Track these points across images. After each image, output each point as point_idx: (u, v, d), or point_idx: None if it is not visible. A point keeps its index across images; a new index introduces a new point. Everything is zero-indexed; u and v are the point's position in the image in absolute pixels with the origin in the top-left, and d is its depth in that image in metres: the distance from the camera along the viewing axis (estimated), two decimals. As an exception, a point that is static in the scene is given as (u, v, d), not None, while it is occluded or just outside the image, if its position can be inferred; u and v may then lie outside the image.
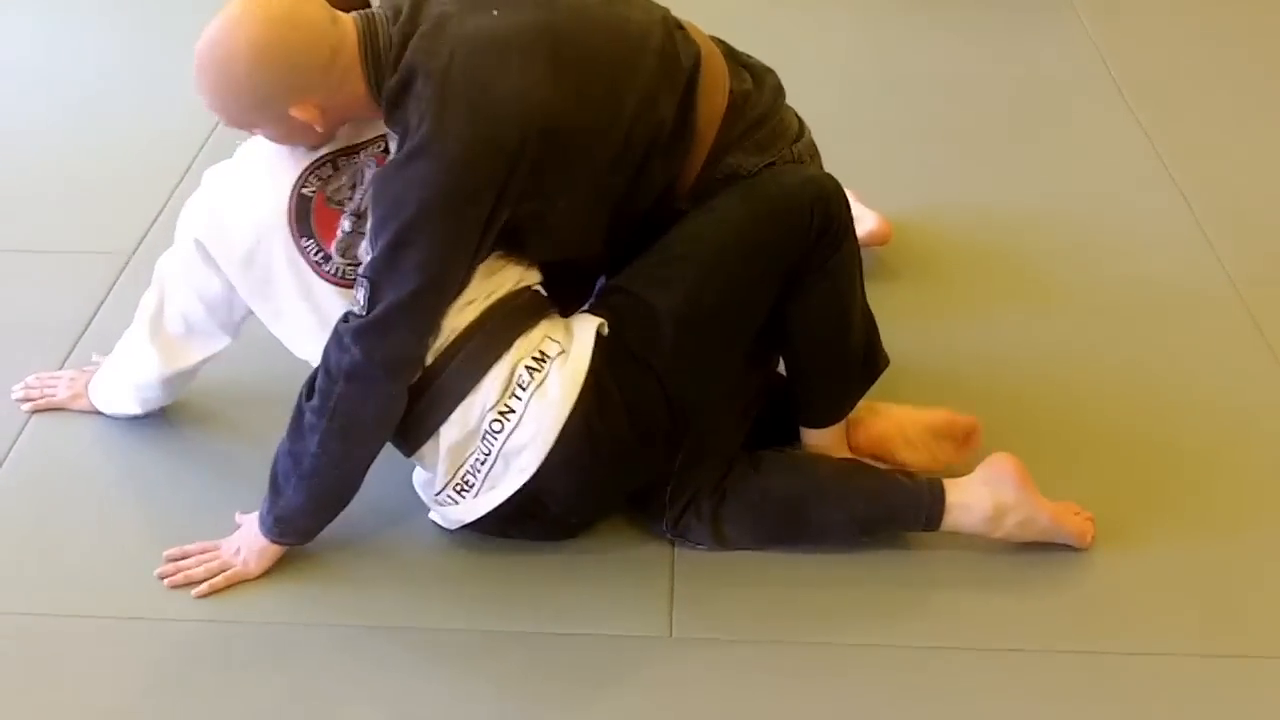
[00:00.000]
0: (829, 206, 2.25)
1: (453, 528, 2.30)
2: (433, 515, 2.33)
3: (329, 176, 2.26)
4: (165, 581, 2.26)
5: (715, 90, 2.31)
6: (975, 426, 2.47)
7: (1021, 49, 4.09)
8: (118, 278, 3.00)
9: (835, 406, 2.42)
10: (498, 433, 2.17)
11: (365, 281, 2.11)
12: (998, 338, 2.85)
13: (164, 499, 2.45)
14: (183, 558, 2.30)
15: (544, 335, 2.22)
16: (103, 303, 2.92)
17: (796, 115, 2.49)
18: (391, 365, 2.13)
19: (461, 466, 2.21)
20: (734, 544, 2.32)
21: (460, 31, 2.13)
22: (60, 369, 2.72)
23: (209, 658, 2.17)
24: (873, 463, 2.44)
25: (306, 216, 2.24)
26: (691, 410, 2.26)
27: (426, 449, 2.22)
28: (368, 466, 2.21)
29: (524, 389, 2.17)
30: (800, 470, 2.37)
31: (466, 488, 2.22)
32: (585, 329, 2.23)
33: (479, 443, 2.18)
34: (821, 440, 2.43)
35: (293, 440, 2.19)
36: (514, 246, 2.25)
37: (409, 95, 2.11)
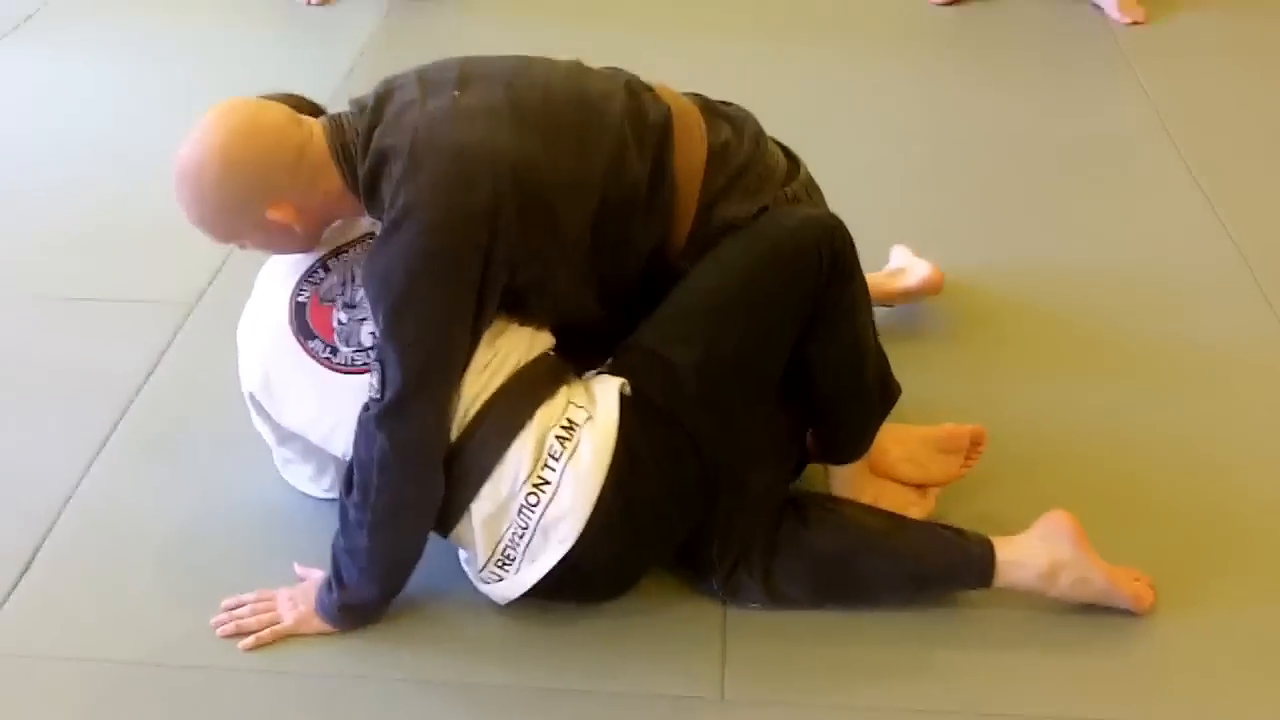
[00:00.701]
0: (834, 243, 2.25)
1: (502, 603, 2.28)
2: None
3: (321, 279, 2.32)
4: (218, 630, 2.28)
5: (692, 145, 2.32)
6: (980, 434, 2.47)
7: (1077, 105, 4.08)
8: (180, 328, 3.03)
9: (859, 440, 2.42)
10: (534, 505, 2.17)
11: (376, 364, 2.13)
12: (1051, 395, 2.83)
13: (222, 547, 2.46)
14: (238, 606, 2.31)
15: (566, 402, 2.22)
16: (164, 353, 2.95)
17: (787, 154, 2.49)
18: (419, 445, 2.14)
19: (500, 542, 2.20)
20: (787, 602, 2.31)
21: (423, 112, 2.18)
22: (123, 414, 2.75)
23: (258, 708, 2.18)
24: (890, 489, 2.43)
25: (304, 320, 2.28)
26: (724, 462, 2.26)
27: (461, 528, 2.22)
28: (423, 546, 2.22)
29: (557, 459, 2.17)
30: (851, 526, 2.35)
31: (508, 562, 2.22)
32: (608, 391, 2.23)
33: (515, 517, 2.18)
34: (848, 475, 2.43)
35: (345, 537, 2.21)
36: (517, 311, 2.26)
37: (382, 178, 2.16)
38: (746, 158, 2.37)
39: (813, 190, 2.47)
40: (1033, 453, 2.64)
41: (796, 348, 2.27)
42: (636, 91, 2.34)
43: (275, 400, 2.33)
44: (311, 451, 2.45)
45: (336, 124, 2.22)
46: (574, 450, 2.17)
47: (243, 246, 2.34)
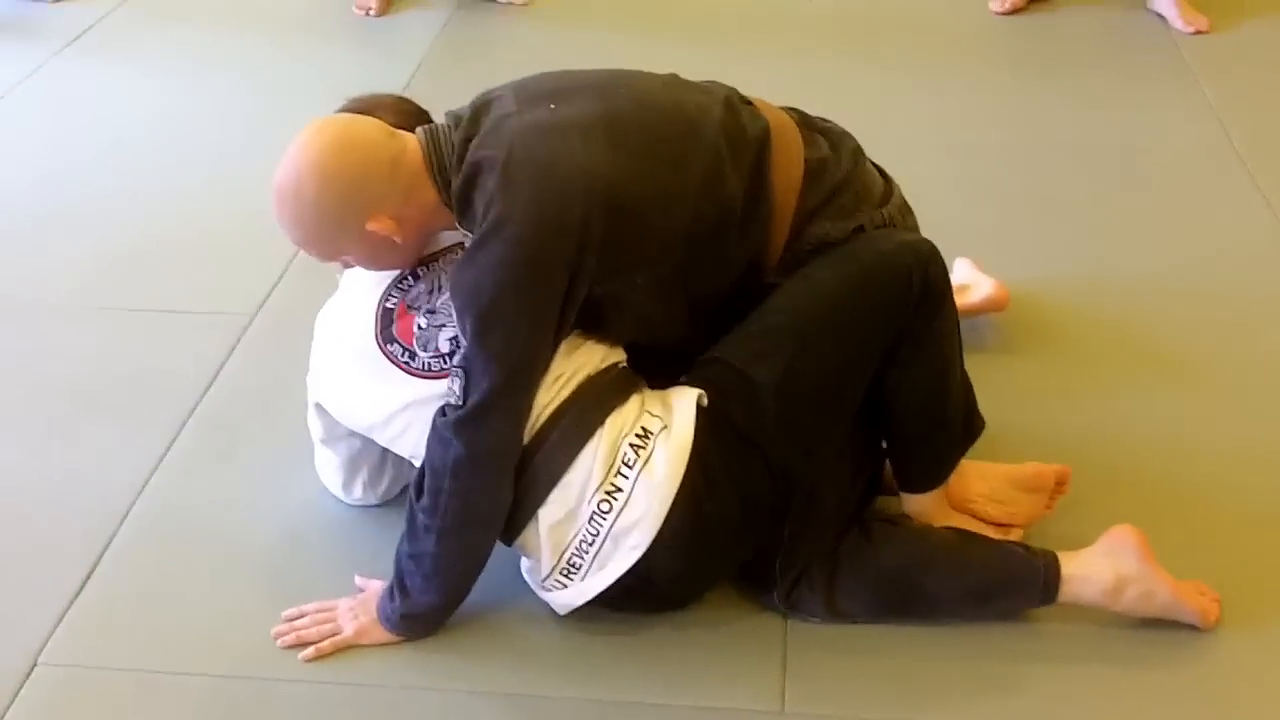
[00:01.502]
0: (928, 271, 2.23)
1: (563, 612, 2.28)
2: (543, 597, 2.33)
3: (409, 287, 2.33)
4: (279, 641, 2.28)
5: (789, 160, 2.31)
6: (1065, 474, 2.44)
7: (1140, 116, 4.04)
8: (240, 338, 3.04)
9: (936, 470, 2.39)
10: (606, 513, 2.16)
11: (459, 372, 2.13)
12: (1114, 410, 2.80)
13: (282, 558, 2.47)
14: (299, 617, 2.32)
15: (640, 410, 2.22)
16: (224, 363, 2.96)
17: (883, 175, 2.47)
18: (495, 454, 2.14)
19: (566, 550, 2.20)
20: (848, 616, 2.29)
21: (519, 125, 2.18)
22: (183, 425, 2.77)
23: (315, 719, 2.18)
24: (971, 526, 2.41)
25: (390, 325, 2.29)
26: (796, 482, 2.24)
27: (528, 534, 2.21)
28: (489, 553, 2.22)
29: (630, 467, 2.17)
30: (914, 541, 2.34)
31: (574, 570, 2.21)
32: (684, 402, 2.23)
33: (585, 524, 2.18)
34: (923, 504, 2.40)
35: (411, 543, 2.21)
36: (595, 326, 2.26)
37: (475, 190, 2.15)
38: (844, 175, 2.36)
39: (907, 213, 2.45)
40: (1097, 467, 2.60)
41: (879, 374, 2.26)
42: (734, 105, 2.32)
43: (346, 399, 2.34)
44: (354, 459, 2.46)
45: (432, 136, 2.22)
46: (648, 459, 2.17)
47: (346, 265, 2.36)
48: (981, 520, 2.43)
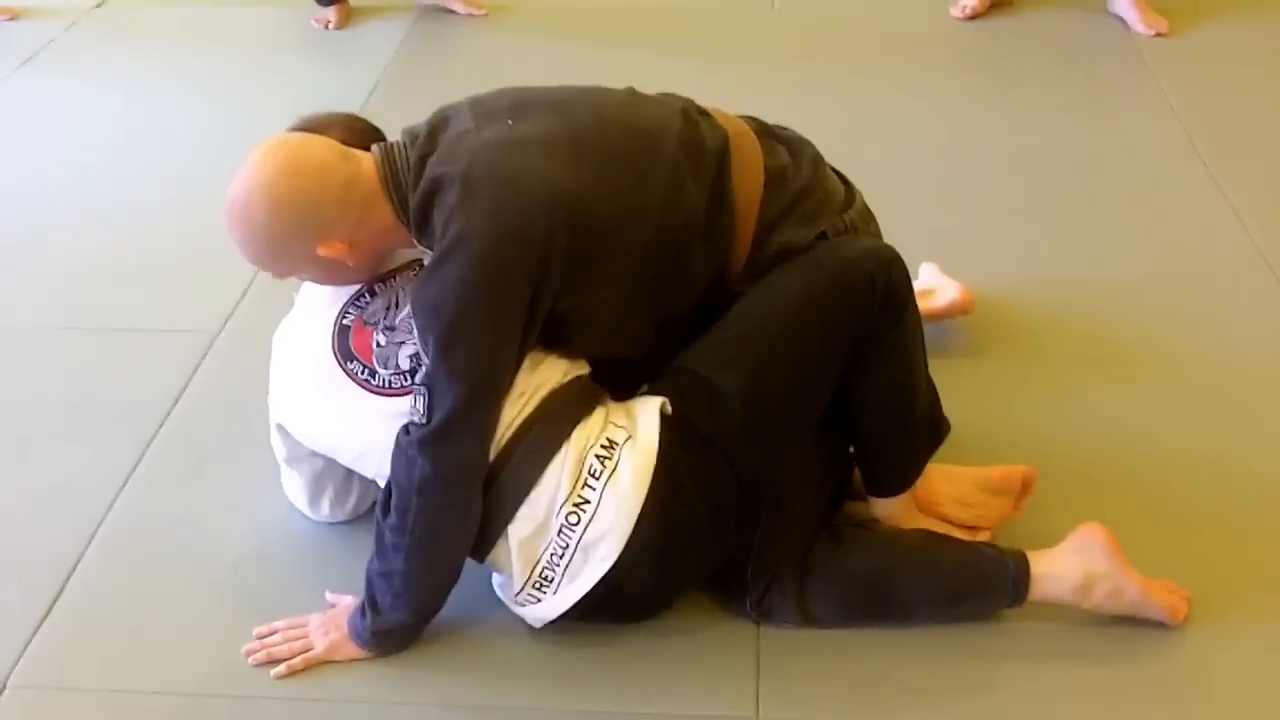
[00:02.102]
0: (890, 276, 2.24)
1: (538, 625, 2.27)
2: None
3: (366, 304, 2.31)
4: (250, 659, 2.27)
5: (750, 170, 2.31)
6: (1031, 476, 2.45)
7: (1102, 118, 4.07)
8: (204, 356, 3.03)
9: (904, 474, 2.40)
10: (574, 524, 2.16)
11: (422, 389, 2.12)
12: (1081, 411, 2.81)
13: (252, 575, 2.46)
14: (270, 634, 2.31)
15: (605, 421, 2.22)
16: (190, 381, 2.95)
17: (843, 181, 2.47)
18: (460, 471, 2.13)
19: (537, 564, 2.19)
20: (820, 622, 2.29)
21: (478, 141, 2.18)
22: (149, 444, 2.75)
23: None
24: (940, 529, 2.42)
25: (347, 343, 2.28)
26: (763, 488, 2.24)
27: (498, 551, 2.21)
28: (460, 570, 2.22)
29: (597, 478, 2.16)
30: (883, 544, 2.35)
31: (546, 583, 2.20)
32: (648, 411, 2.23)
33: (554, 537, 2.17)
34: (891, 508, 2.41)
35: (381, 561, 2.20)
36: (558, 341, 2.25)
37: (434, 206, 2.15)
38: (805, 183, 2.36)
39: (869, 219, 2.46)
40: (1064, 469, 2.61)
41: (844, 380, 2.26)
42: (692, 118, 2.32)
43: (307, 419, 2.33)
44: (318, 477, 2.45)
45: (388, 154, 2.21)
46: (614, 469, 2.16)
47: (301, 279, 2.35)
48: (949, 523, 2.44)
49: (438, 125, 2.24)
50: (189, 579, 2.45)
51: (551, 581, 2.20)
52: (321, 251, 2.19)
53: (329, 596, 2.36)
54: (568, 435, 2.18)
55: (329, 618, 2.30)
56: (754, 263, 2.31)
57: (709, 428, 2.21)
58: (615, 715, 2.18)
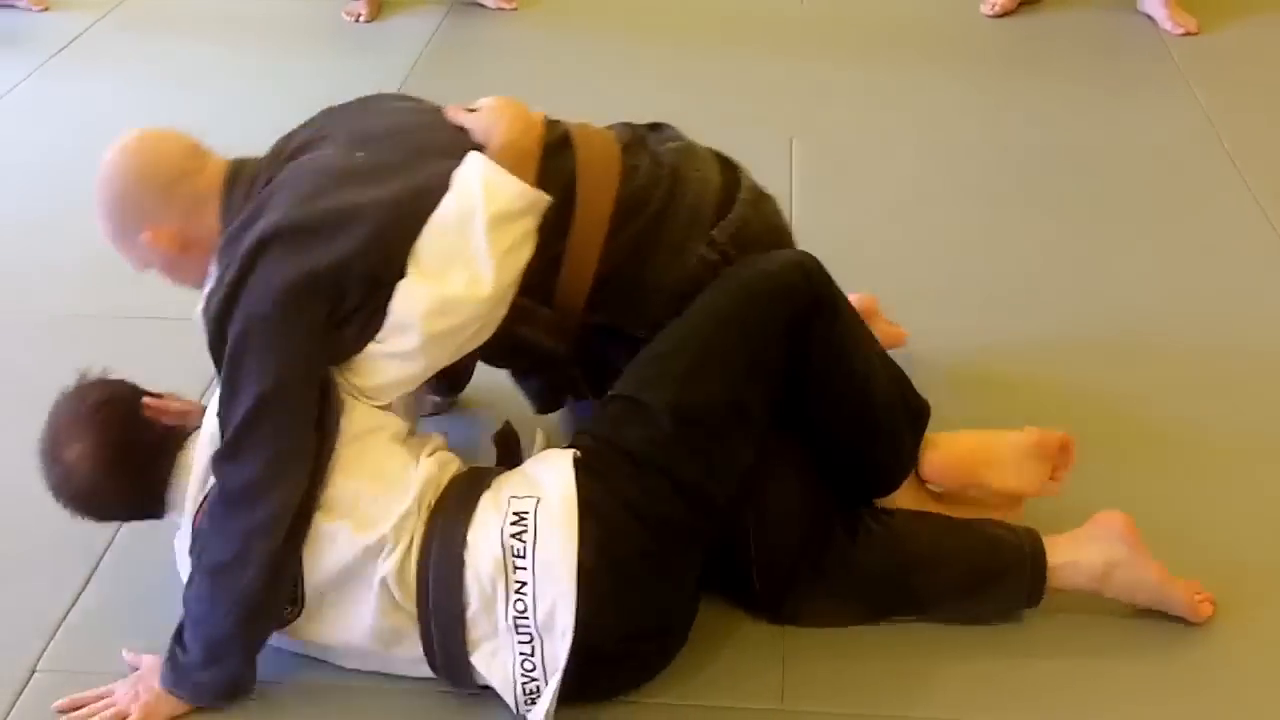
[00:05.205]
0: (811, 279, 2.23)
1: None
2: None
3: None
4: None
5: (596, 203, 2.27)
6: (1069, 443, 2.38)
7: (1130, 117, 4.06)
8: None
9: (893, 470, 2.36)
10: (524, 614, 2.04)
11: (217, 416, 2.12)
12: (1109, 408, 2.81)
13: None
14: (75, 710, 2.18)
15: (499, 503, 2.11)
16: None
17: (724, 167, 2.41)
18: (240, 494, 2.07)
19: (515, 677, 2.07)
20: (841, 622, 2.29)
21: (309, 168, 2.19)
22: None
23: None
24: (960, 492, 2.39)
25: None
26: (719, 492, 2.17)
27: (476, 678, 2.12)
28: (259, 602, 2.09)
29: (523, 557, 2.05)
30: (899, 539, 2.30)
31: (537, 695, 2.07)
32: (553, 467, 2.14)
33: (515, 642, 2.05)
34: (902, 498, 2.38)
35: (185, 587, 2.16)
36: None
37: (246, 232, 2.14)
38: (659, 206, 2.31)
39: (761, 200, 2.41)
40: (1087, 457, 2.60)
41: (799, 408, 2.23)
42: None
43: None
44: None
45: (235, 169, 2.25)
46: (534, 540, 2.06)
47: (145, 269, 2.36)
48: (985, 492, 2.38)
49: (297, 149, 2.25)
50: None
51: (537, 680, 2.06)
52: (147, 238, 2.23)
53: (127, 657, 2.25)
54: (464, 545, 2.08)
55: (135, 679, 2.19)
56: (635, 303, 2.30)
57: (641, 444, 2.15)
58: (641, 705, 2.18)
